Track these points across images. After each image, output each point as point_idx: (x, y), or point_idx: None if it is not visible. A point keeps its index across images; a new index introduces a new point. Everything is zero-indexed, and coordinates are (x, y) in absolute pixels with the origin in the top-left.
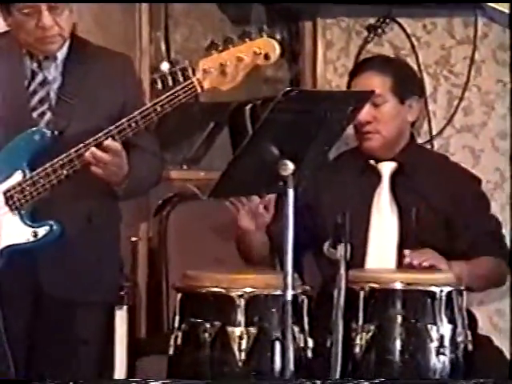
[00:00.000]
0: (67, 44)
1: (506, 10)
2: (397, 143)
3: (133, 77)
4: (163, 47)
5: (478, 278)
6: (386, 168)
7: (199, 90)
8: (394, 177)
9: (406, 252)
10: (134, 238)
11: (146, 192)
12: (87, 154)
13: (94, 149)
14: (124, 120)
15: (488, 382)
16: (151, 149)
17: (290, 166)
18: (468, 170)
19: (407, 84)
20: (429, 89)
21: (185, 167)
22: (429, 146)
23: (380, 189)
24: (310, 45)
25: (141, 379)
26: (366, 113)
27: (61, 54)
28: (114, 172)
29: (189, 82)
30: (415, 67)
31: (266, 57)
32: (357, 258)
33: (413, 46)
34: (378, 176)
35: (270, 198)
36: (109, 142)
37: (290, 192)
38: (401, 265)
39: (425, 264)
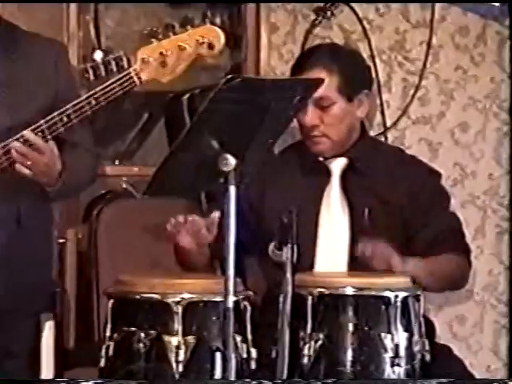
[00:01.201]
0: None
1: None
2: (347, 141)
3: (66, 66)
4: (93, 32)
5: (436, 276)
6: (336, 165)
7: (137, 82)
8: (344, 174)
9: (360, 244)
10: (61, 240)
11: (80, 192)
12: (12, 150)
13: (17, 143)
14: (55, 114)
15: (451, 381)
16: (86, 145)
17: (232, 160)
18: (426, 164)
19: (356, 80)
20: (382, 76)
21: (117, 162)
22: (382, 139)
23: (330, 187)
24: (252, 29)
25: (70, 379)
26: (312, 116)
27: None
28: (42, 171)
29: (126, 73)
30: (367, 53)
31: (210, 46)
32: (305, 261)
33: (364, 30)
34: (327, 173)
35: (214, 219)
36: (29, 136)
37: (232, 189)
38: (352, 256)
39: (377, 257)
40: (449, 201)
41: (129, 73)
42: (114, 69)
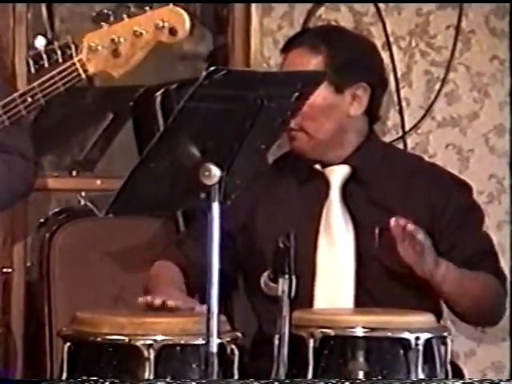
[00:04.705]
0: None
1: None
2: (339, 143)
3: None
4: (45, 14)
5: (468, 292)
6: (337, 174)
7: (82, 75)
8: (346, 185)
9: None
10: (5, 269)
11: (9, 206)
12: None
13: None
14: None
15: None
16: (21, 150)
17: (216, 172)
18: (452, 174)
19: (350, 66)
20: (400, 68)
21: (74, 173)
22: (400, 145)
23: (329, 202)
24: (241, 9)
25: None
26: None
27: None
28: None
29: (69, 63)
30: (382, 39)
31: (172, 31)
32: (301, 296)
33: (379, 12)
34: (326, 185)
35: (200, 313)
36: None
37: (216, 207)
38: (360, 288)
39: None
40: (482, 220)
41: (72, 64)
42: (60, 59)
